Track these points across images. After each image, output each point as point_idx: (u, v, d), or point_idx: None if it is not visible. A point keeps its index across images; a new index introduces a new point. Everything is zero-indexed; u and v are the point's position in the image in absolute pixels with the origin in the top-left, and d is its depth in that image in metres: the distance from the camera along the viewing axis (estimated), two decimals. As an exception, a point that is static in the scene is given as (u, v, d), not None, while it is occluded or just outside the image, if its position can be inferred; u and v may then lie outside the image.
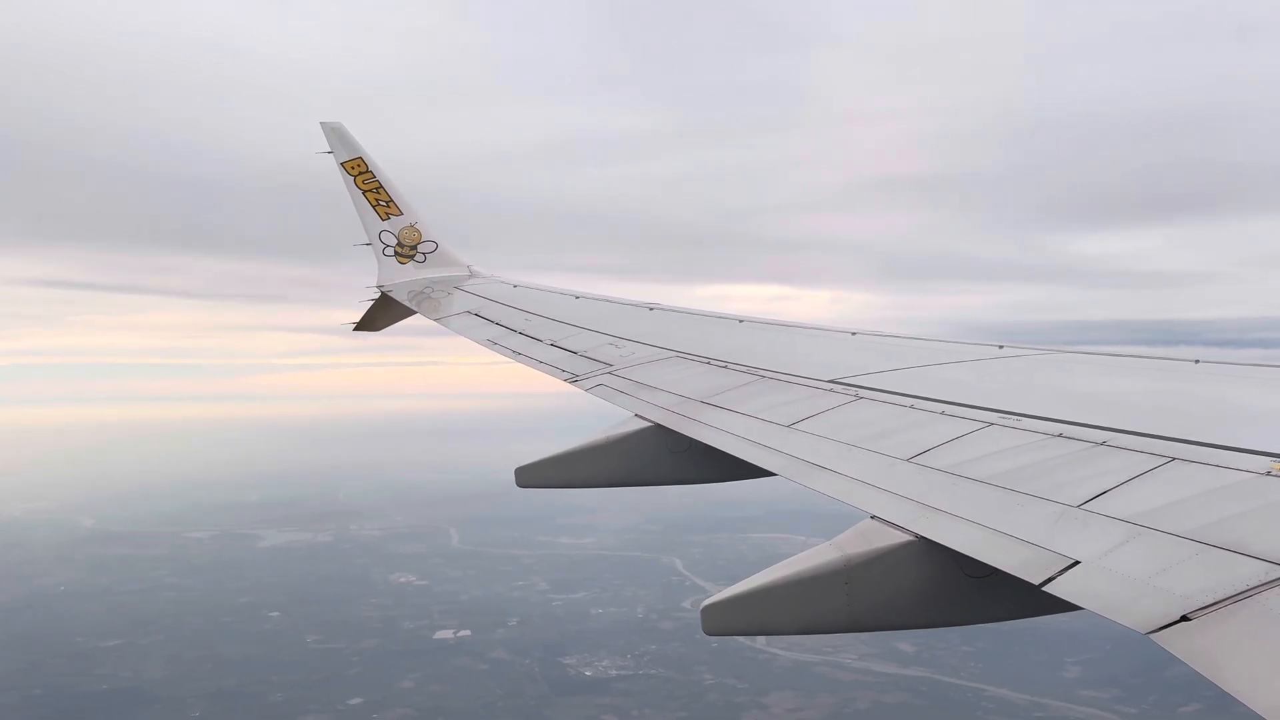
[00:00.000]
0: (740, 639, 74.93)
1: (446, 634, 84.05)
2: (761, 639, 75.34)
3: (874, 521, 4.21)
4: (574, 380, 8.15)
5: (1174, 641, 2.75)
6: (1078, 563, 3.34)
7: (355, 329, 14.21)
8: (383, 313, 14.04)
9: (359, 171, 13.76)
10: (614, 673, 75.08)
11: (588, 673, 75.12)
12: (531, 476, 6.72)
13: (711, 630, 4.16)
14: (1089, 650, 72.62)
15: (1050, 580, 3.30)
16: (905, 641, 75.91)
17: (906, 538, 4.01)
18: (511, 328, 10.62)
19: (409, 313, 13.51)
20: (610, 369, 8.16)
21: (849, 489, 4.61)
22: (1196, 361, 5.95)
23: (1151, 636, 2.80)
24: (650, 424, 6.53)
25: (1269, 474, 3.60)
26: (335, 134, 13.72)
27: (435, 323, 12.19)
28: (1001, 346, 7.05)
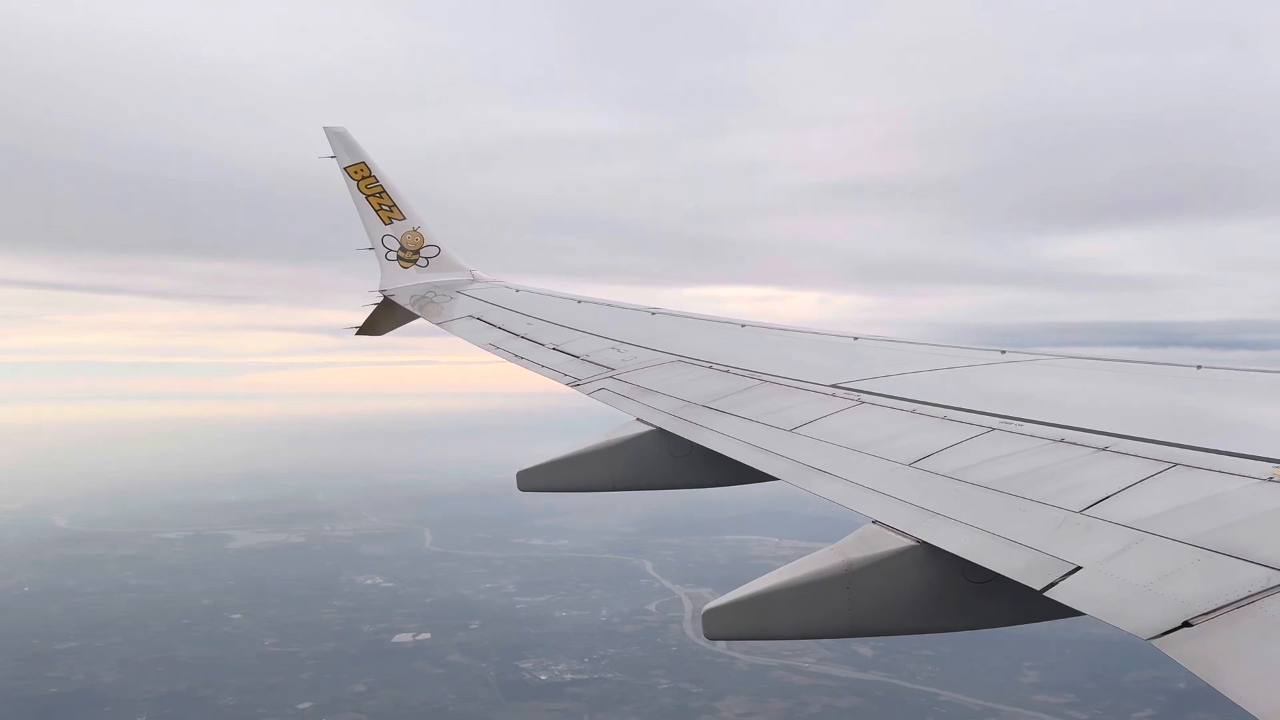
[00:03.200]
0: (700, 643, 74.85)
1: (405, 637, 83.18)
2: (722, 643, 75.02)
3: (875, 526, 4.20)
4: (576, 384, 8.11)
5: (1175, 647, 2.75)
6: (1079, 568, 3.35)
7: (358, 333, 14.08)
8: (385, 317, 13.93)
9: (362, 176, 13.61)
10: (569, 677, 74.59)
11: (543, 676, 74.60)
12: (532, 480, 6.70)
13: (713, 634, 4.14)
14: (1047, 655, 73.24)
15: (1052, 586, 3.31)
16: (865, 646, 76.30)
17: (908, 542, 4.01)
18: (514, 332, 10.57)
19: (411, 317, 13.43)
20: (612, 373, 8.13)
21: (850, 493, 4.60)
22: (1199, 367, 5.99)
23: (1153, 642, 2.81)
24: (652, 428, 6.50)
25: (1271, 480, 3.63)
26: (339, 138, 13.56)
27: (438, 327, 12.10)
28: (1004, 351, 7.06)
